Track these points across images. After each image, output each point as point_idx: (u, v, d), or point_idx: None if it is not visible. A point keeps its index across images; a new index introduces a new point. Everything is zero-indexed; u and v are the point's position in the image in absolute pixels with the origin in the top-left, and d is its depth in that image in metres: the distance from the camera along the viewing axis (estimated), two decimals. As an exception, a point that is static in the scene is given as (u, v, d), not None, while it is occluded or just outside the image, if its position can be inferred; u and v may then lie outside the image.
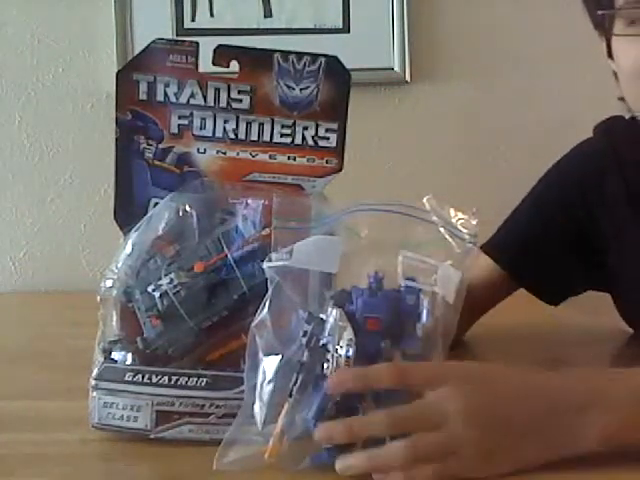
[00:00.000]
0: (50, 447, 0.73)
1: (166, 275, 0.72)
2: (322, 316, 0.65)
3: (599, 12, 0.91)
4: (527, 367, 0.68)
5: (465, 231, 0.68)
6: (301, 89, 0.78)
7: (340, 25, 1.66)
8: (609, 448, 0.63)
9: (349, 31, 1.66)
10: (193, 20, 1.65)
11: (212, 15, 1.65)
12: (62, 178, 1.68)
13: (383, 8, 1.65)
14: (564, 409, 0.63)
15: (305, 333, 0.64)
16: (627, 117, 0.98)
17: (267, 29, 1.65)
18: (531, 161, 1.59)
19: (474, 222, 0.68)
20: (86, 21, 1.66)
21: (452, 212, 0.69)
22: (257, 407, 0.65)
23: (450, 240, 0.67)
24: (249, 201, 0.74)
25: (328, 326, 0.64)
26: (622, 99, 0.96)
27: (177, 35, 1.64)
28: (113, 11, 1.63)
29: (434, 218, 0.68)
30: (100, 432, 0.75)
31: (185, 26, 1.64)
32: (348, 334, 0.63)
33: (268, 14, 1.66)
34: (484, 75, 1.68)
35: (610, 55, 0.94)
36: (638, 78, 0.89)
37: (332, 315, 0.64)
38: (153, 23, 1.63)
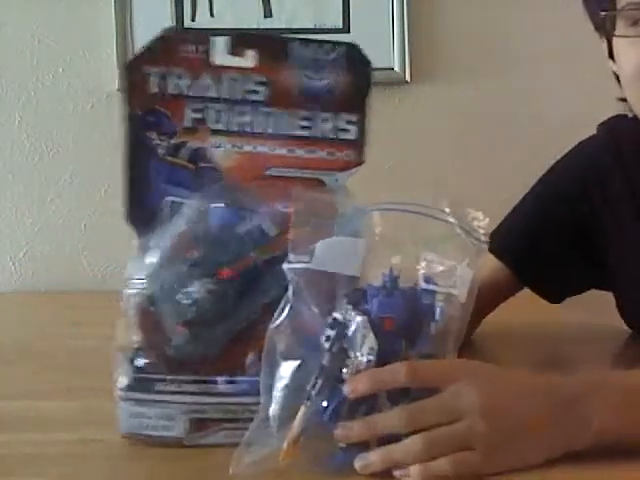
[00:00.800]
0: (50, 447, 0.73)
1: (192, 281, 0.70)
2: (340, 317, 0.64)
3: (602, 13, 0.90)
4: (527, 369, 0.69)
5: (482, 231, 0.67)
6: (320, 79, 0.75)
7: (340, 25, 1.66)
8: (603, 442, 0.64)
9: (349, 31, 1.66)
10: (193, 20, 1.65)
11: (212, 15, 1.65)
12: (62, 178, 1.68)
13: (383, 8, 1.65)
14: (565, 403, 0.64)
15: (328, 338, 0.64)
16: (630, 116, 0.98)
17: (267, 29, 1.65)
18: (531, 161, 1.59)
19: (486, 221, 0.68)
20: (86, 21, 1.66)
21: (468, 212, 0.68)
22: (273, 410, 0.64)
23: (466, 239, 0.67)
24: (272, 202, 0.72)
25: (350, 331, 0.63)
26: (623, 99, 0.96)
27: (177, 35, 1.64)
28: (113, 11, 1.63)
29: (450, 219, 0.67)
30: (100, 432, 0.75)
31: (185, 26, 1.64)
32: (370, 342, 0.63)
33: (268, 14, 1.66)
34: (484, 75, 1.68)
35: (611, 56, 0.94)
36: (639, 80, 0.88)
37: (355, 321, 0.63)
38: (153, 23, 1.63)
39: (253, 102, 0.76)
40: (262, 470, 0.63)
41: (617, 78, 0.95)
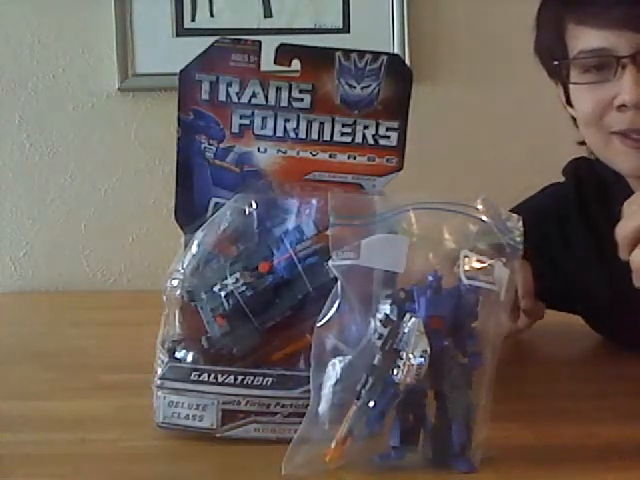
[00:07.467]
0: (50, 447, 0.73)
1: (231, 275, 0.72)
2: (392, 315, 0.64)
3: (554, 62, 0.95)
4: None
5: (517, 232, 0.68)
6: (362, 87, 0.78)
7: (340, 25, 1.66)
8: None
9: (349, 31, 1.66)
10: (193, 20, 1.65)
11: (212, 15, 1.65)
12: (62, 178, 1.68)
13: (383, 8, 1.65)
14: None
15: (381, 336, 0.64)
16: (593, 158, 1.00)
17: (267, 29, 1.65)
18: (532, 162, 1.60)
19: (520, 223, 0.68)
20: (86, 21, 1.65)
21: (501, 212, 0.69)
22: (323, 408, 0.65)
23: (502, 239, 0.67)
24: (311, 200, 0.74)
25: (402, 332, 0.63)
26: (582, 143, 0.99)
27: (177, 35, 1.64)
28: (113, 11, 1.63)
29: (484, 218, 0.68)
30: (100, 432, 0.75)
31: (185, 26, 1.64)
32: (423, 345, 0.62)
33: (268, 14, 1.66)
34: (485, 75, 1.68)
35: (568, 102, 0.98)
36: (596, 124, 0.92)
37: (410, 322, 0.63)
38: (153, 23, 1.63)
39: (297, 109, 0.79)
40: (313, 470, 0.63)
41: (575, 123, 0.98)
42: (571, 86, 0.95)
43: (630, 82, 0.87)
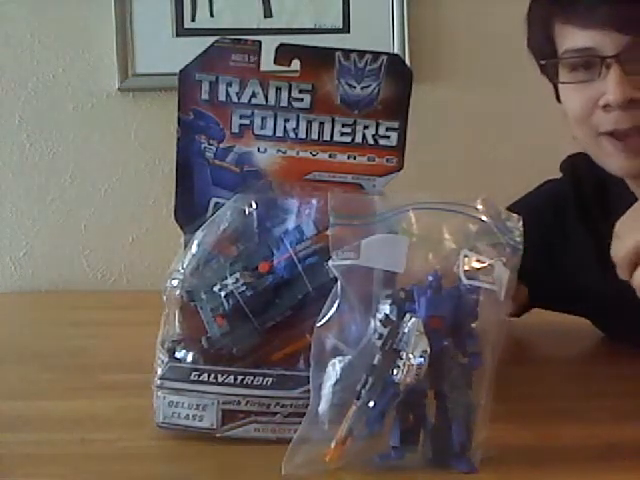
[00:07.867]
0: (50, 447, 0.73)
1: (231, 275, 0.73)
2: (392, 315, 0.64)
3: (542, 61, 0.96)
4: None
5: (517, 232, 0.68)
6: (362, 87, 0.79)
7: (340, 25, 1.66)
8: None
9: (349, 31, 1.66)
10: (193, 20, 1.65)
11: (212, 15, 1.65)
12: (62, 178, 1.68)
13: (383, 8, 1.65)
14: None
15: (381, 336, 0.64)
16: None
17: (267, 29, 1.65)
18: (532, 162, 1.60)
19: (520, 223, 0.68)
20: (86, 21, 1.66)
21: (501, 212, 0.69)
22: (322, 408, 0.65)
23: (502, 238, 0.67)
24: (311, 200, 0.75)
25: (402, 332, 0.63)
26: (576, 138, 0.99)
27: (177, 35, 1.64)
28: (113, 11, 1.63)
29: (484, 217, 0.68)
30: (100, 432, 0.75)
31: (185, 26, 1.64)
32: (423, 345, 0.62)
33: (268, 14, 1.66)
34: (485, 75, 1.68)
35: (558, 100, 0.98)
36: (584, 122, 0.93)
37: (409, 322, 0.63)
38: (153, 23, 1.63)
39: (297, 109, 0.79)
40: (313, 470, 0.63)
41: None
42: (560, 85, 0.96)
43: (614, 82, 0.87)
